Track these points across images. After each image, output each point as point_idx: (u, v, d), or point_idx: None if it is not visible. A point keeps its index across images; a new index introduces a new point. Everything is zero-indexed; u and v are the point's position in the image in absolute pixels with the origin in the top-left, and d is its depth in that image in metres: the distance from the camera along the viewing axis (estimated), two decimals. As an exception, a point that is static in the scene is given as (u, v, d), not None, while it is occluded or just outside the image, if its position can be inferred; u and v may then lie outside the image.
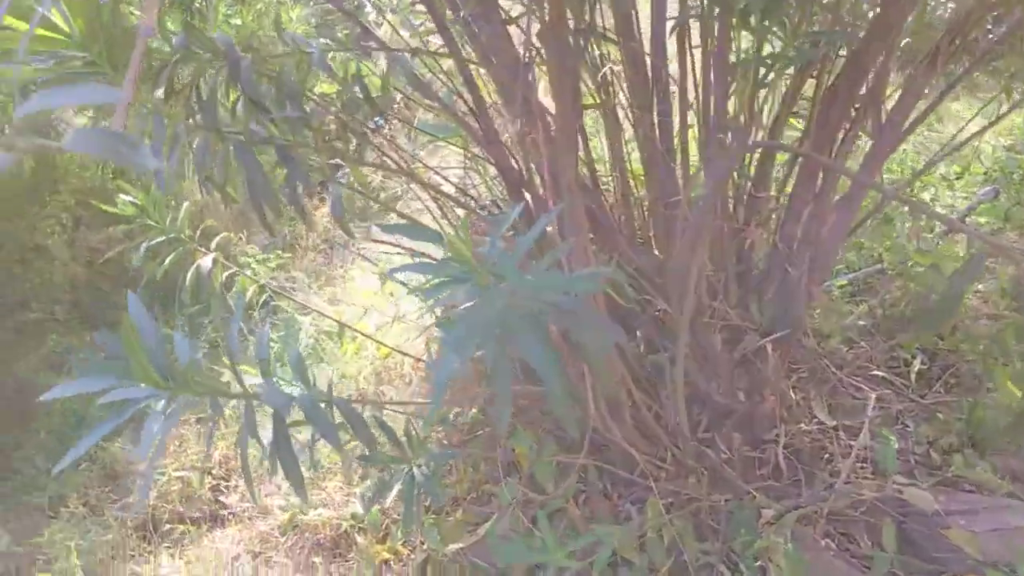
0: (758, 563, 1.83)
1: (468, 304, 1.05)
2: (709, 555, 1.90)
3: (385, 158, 1.92)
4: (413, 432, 1.45)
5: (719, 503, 1.97)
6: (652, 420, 1.98)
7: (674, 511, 1.96)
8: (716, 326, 2.02)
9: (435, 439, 2.19)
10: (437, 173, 2.10)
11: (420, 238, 1.17)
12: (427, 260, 2.13)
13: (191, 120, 1.51)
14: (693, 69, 1.95)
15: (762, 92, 1.84)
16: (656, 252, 2.10)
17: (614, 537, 1.82)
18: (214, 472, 2.61)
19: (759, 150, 2.02)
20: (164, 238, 2.13)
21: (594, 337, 1.09)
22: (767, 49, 1.76)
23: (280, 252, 3.32)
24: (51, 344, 3.92)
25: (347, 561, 2.20)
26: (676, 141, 2.03)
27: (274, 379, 1.24)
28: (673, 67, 1.97)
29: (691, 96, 1.94)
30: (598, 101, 2.05)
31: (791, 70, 1.92)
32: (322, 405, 1.24)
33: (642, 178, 2.24)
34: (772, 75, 1.64)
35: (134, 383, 0.93)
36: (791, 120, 2.05)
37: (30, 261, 4.53)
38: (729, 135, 1.64)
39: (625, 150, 2.17)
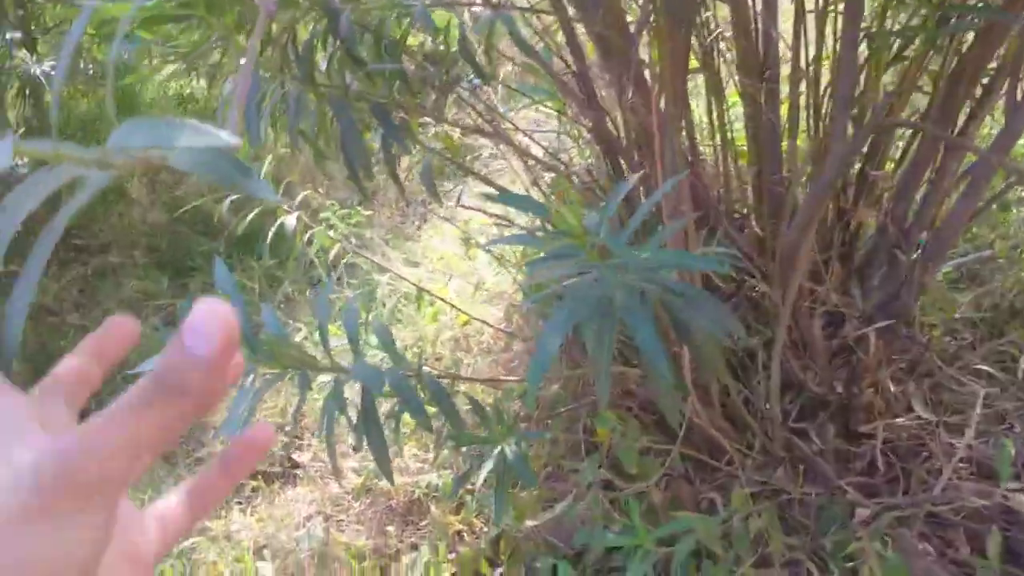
0: (849, 564, 1.74)
1: (571, 281, 0.98)
2: (796, 551, 1.81)
3: (480, 120, 1.84)
4: (502, 410, 1.39)
5: (809, 497, 1.88)
6: (741, 405, 1.90)
7: (760, 502, 1.87)
8: (816, 311, 1.92)
9: (515, 412, 2.13)
10: (528, 136, 2.02)
11: (524, 208, 1.10)
12: (520, 231, 2.06)
13: (286, 71, 1.45)
14: (806, 34, 1.84)
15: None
16: (757, 229, 1.99)
17: (699, 526, 1.74)
18: (287, 430, 2.59)
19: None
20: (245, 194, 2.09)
21: (705, 322, 1.01)
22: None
23: (359, 209, 3.27)
24: (130, 289, 3.96)
25: (419, 530, 2.16)
26: (785, 113, 1.92)
27: (361, 345, 1.19)
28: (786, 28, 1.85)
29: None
30: (702, 65, 1.94)
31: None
32: (410, 380, 1.18)
33: (743, 149, 2.13)
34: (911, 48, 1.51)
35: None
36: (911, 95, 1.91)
37: (111, 204, 4.58)
38: (854, 111, 1.52)
39: (727, 119, 2.06)
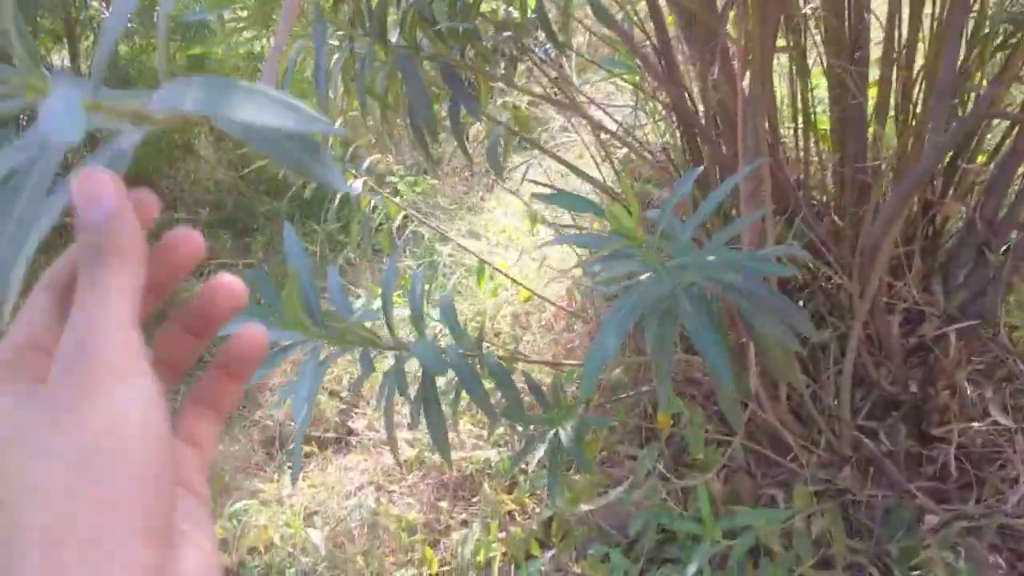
0: (915, 573, 1.67)
1: (630, 282, 0.93)
2: (859, 554, 1.75)
3: (554, 90, 1.78)
4: (561, 393, 1.35)
5: (875, 499, 1.81)
6: (809, 400, 1.83)
7: (823, 501, 1.81)
8: (895, 307, 1.83)
9: (572, 394, 2.08)
10: (602, 109, 1.96)
11: (582, 209, 1.04)
12: (583, 232, 2.01)
13: (357, 28, 1.41)
14: (901, 15, 1.74)
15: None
16: (836, 218, 1.91)
17: (760, 522, 1.69)
18: (344, 396, 2.58)
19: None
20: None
21: (775, 326, 0.94)
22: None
23: (424, 176, 3.24)
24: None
25: (471, 506, 2.14)
26: (872, 97, 1.83)
27: (425, 319, 1.15)
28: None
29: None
30: (788, 43, 1.85)
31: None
32: (471, 361, 1.14)
33: (825, 134, 2.04)
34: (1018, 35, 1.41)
35: (285, 329, 0.84)
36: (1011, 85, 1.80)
37: (179, 161, 4.62)
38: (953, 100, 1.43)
39: (811, 100, 1.98)
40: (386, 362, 1.20)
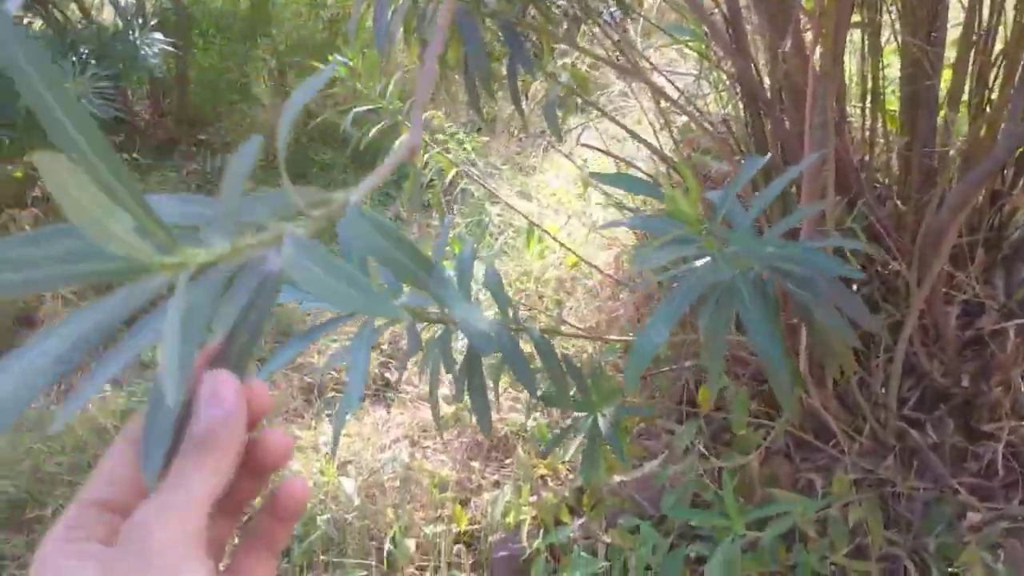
0: (952, 569, 1.64)
1: (685, 267, 0.90)
2: (895, 546, 1.72)
3: (617, 53, 1.74)
4: (601, 374, 1.32)
5: (916, 492, 1.78)
6: (856, 387, 1.79)
7: (862, 490, 1.78)
8: (954, 298, 1.78)
9: (612, 364, 2.06)
10: (664, 76, 1.91)
11: (640, 192, 1.01)
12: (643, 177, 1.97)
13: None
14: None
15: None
16: (899, 203, 1.85)
17: (796, 507, 1.66)
18: (384, 348, 2.59)
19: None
20: (370, 108, 2.07)
21: (834, 319, 0.91)
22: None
23: (478, 134, 3.21)
24: (244, 192, 4.00)
25: (504, 468, 2.14)
26: (947, 81, 1.76)
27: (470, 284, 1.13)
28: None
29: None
30: (863, 19, 1.79)
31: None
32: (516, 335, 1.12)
33: (893, 115, 1.98)
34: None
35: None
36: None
37: (235, 102, 4.63)
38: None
39: (881, 79, 1.91)
40: (433, 329, 1.18)
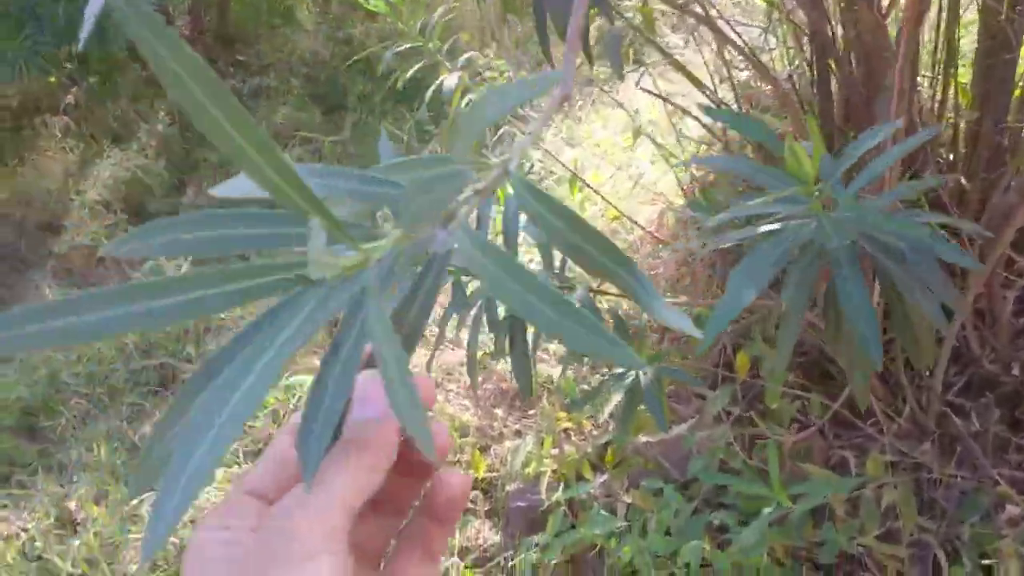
0: (985, 561, 1.59)
1: (772, 228, 0.83)
2: (927, 533, 1.67)
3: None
4: (646, 335, 1.27)
5: (953, 480, 1.72)
6: (900, 366, 1.73)
7: (897, 473, 1.72)
8: (1013, 283, 1.71)
9: (639, 325, 2.00)
10: (730, 25, 1.82)
11: (758, 137, 0.94)
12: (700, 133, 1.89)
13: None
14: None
15: None
16: (963, 179, 1.77)
17: (829, 486, 1.62)
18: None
19: None
20: (411, 46, 2.01)
21: (930, 304, 0.84)
22: None
23: (524, 76, 3.11)
24: (282, 115, 3.94)
25: (527, 418, 2.10)
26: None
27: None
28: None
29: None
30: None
31: None
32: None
33: (966, 88, 1.89)
34: None
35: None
36: None
37: (277, 26, 4.55)
38: None
39: (957, 49, 1.82)
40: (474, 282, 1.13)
